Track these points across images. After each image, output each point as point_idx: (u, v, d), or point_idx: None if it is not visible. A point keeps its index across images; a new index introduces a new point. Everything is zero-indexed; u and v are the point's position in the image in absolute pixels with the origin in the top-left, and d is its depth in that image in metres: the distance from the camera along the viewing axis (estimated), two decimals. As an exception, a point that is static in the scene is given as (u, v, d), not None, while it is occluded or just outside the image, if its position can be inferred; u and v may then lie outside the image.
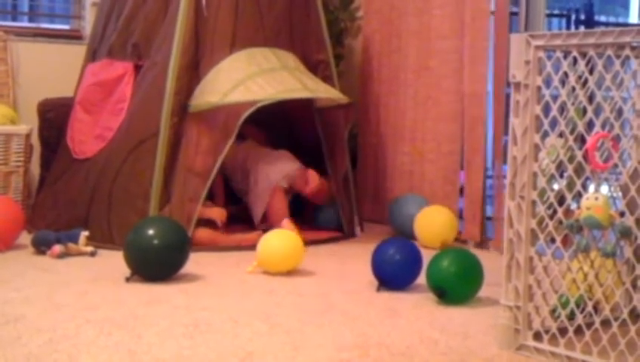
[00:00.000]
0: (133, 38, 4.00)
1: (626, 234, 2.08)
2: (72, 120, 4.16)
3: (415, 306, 2.79)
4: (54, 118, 4.32)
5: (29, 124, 4.28)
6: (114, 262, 3.26)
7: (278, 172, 4.03)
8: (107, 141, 3.90)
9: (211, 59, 3.87)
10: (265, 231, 3.51)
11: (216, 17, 3.90)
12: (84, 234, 3.54)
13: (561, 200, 2.19)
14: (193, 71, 3.84)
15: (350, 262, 3.54)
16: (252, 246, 3.35)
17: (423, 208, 4.00)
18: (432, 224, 3.90)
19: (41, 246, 3.50)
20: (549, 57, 2.22)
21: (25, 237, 3.66)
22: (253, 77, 3.81)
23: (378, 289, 2.99)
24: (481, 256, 3.03)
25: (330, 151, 4.20)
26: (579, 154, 2.15)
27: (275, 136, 4.53)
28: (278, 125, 4.52)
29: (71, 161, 4.08)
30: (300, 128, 4.47)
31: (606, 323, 2.10)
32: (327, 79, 4.21)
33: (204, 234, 3.73)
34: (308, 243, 3.43)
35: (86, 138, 4.04)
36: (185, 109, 3.78)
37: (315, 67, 4.23)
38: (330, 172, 4.18)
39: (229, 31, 3.93)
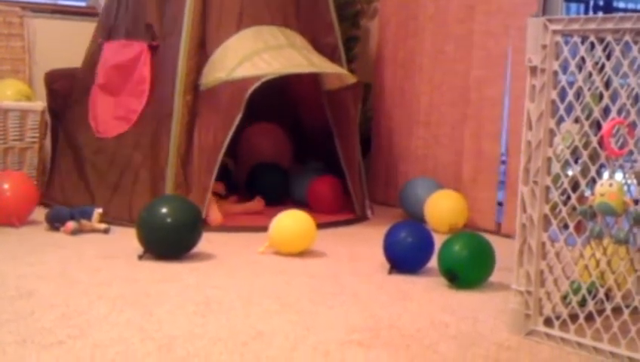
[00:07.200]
0: (146, 18, 4.00)
1: (639, 221, 2.07)
2: (94, 100, 4.16)
3: (426, 289, 2.79)
4: (60, 88, 4.33)
5: (44, 101, 4.28)
6: (127, 239, 3.27)
7: None
8: (132, 123, 3.92)
9: (218, 37, 3.88)
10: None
11: None
12: (98, 211, 3.56)
13: (575, 186, 2.19)
14: (202, 49, 3.84)
15: (362, 244, 3.55)
16: (264, 227, 3.36)
17: (434, 192, 3.99)
18: (442, 208, 3.89)
19: (54, 223, 3.52)
20: (566, 42, 2.20)
21: (39, 213, 3.68)
22: (259, 53, 3.81)
23: (389, 272, 2.99)
24: (493, 240, 3.02)
25: (340, 135, 4.18)
26: (594, 141, 2.14)
27: (281, 123, 4.57)
28: (284, 111, 4.52)
29: (93, 139, 4.08)
30: (305, 114, 4.45)
31: (617, 311, 2.10)
32: (335, 62, 4.19)
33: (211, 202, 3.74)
34: (320, 225, 3.43)
35: (109, 118, 4.05)
36: (197, 88, 3.80)
37: (323, 50, 4.20)
38: (342, 155, 4.17)
39: (236, 9, 3.93)
